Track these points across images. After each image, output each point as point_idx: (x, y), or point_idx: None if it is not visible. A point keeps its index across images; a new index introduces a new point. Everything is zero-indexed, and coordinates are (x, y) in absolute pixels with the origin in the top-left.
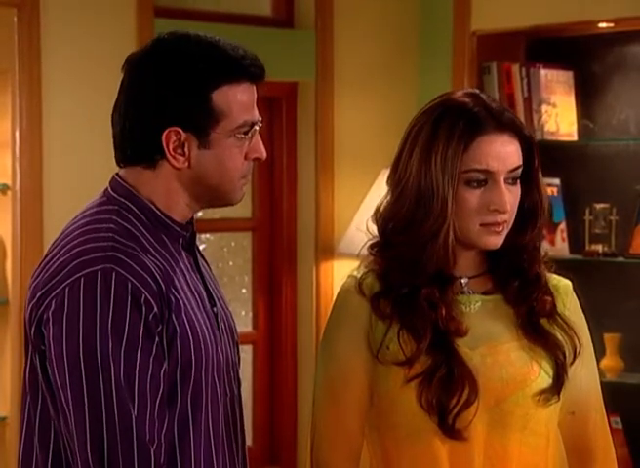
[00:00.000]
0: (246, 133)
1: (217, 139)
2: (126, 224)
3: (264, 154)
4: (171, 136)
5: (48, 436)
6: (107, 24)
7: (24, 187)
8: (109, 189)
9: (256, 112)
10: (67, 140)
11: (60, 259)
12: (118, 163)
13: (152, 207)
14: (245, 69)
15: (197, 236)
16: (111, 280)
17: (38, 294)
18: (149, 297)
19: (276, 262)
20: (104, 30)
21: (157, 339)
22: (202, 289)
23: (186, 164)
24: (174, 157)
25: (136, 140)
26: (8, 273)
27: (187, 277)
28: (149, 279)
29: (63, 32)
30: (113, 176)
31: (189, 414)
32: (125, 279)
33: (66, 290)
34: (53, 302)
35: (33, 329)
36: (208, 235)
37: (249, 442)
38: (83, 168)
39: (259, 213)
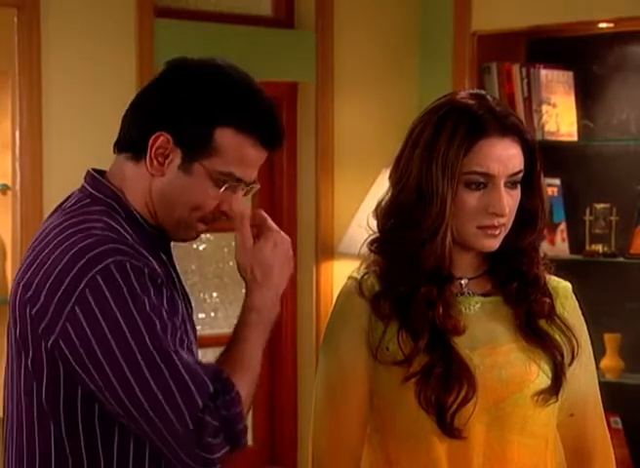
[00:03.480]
0: (227, 183)
1: (198, 171)
2: (114, 224)
3: (233, 212)
4: (158, 140)
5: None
6: (107, 25)
7: (25, 187)
8: (91, 189)
9: (251, 174)
10: (67, 141)
11: (60, 261)
12: (113, 148)
13: (133, 210)
14: (259, 127)
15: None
16: (127, 269)
17: (50, 310)
18: (164, 280)
19: None
20: (104, 31)
21: (179, 314)
22: (182, 292)
23: (159, 173)
24: (151, 161)
25: (132, 128)
26: (8, 273)
27: (168, 277)
28: (157, 268)
29: (64, 33)
30: (90, 173)
31: None
32: (139, 267)
33: (87, 292)
34: (77, 309)
35: (49, 343)
36: (208, 235)
37: (249, 442)
38: (83, 168)
39: None
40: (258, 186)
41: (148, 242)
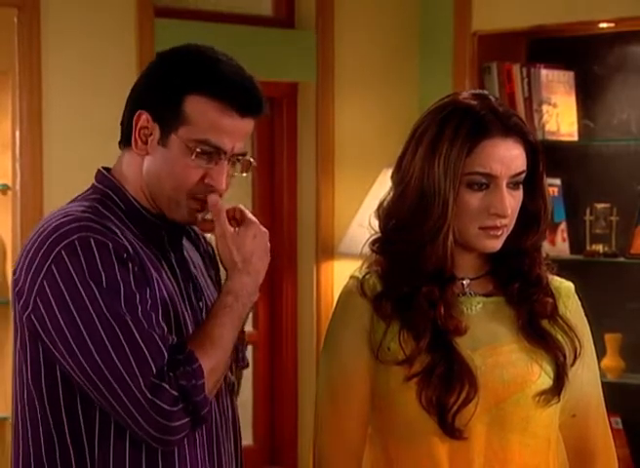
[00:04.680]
0: (206, 153)
1: (174, 142)
2: (102, 209)
3: (221, 186)
4: (140, 119)
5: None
6: (108, 25)
7: (25, 187)
8: (95, 182)
9: (231, 142)
10: (67, 141)
11: (36, 241)
12: (119, 146)
13: (131, 199)
14: (226, 92)
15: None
16: (91, 245)
17: (26, 288)
18: (132, 255)
19: (277, 262)
20: (105, 31)
21: (148, 288)
22: (188, 283)
23: (144, 152)
24: (136, 142)
25: (122, 120)
26: (8, 273)
27: (168, 271)
28: (127, 245)
29: (64, 33)
30: (98, 170)
31: None
32: (104, 242)
33: (52, 267)
34: (45, 284)
35: (24, 318)
36: (209, 235)
37: (249, 441)
38: (83, 168)
39: (259, 213)
40: (252, 161)
41: (148, 232)
